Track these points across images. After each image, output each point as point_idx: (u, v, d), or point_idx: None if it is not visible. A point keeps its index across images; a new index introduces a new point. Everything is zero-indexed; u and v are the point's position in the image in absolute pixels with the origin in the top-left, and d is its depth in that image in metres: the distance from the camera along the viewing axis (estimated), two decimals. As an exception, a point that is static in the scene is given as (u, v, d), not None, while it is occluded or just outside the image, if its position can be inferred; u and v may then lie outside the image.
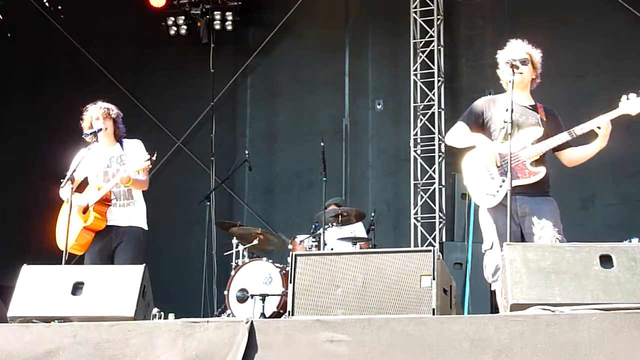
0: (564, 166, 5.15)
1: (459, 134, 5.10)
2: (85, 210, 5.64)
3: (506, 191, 4.69)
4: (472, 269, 8.34)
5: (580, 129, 4.84)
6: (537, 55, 5.05)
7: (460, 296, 8.16)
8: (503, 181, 4.81)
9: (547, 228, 4.75)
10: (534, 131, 4.92)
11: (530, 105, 5.04)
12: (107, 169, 5.79)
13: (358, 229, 8.26)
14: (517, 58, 4.95)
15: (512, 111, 4.76)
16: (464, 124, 5.10)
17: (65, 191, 5.61)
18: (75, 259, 5.97)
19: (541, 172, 4.86)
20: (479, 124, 5.07)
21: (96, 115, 5.81)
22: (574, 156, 5.01)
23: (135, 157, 5.72)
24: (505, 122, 4.80)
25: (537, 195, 4.87)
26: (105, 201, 5.66)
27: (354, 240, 7.76)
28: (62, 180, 5.55)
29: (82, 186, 5.73)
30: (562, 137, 4.87)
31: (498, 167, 4.88)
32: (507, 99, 4.85)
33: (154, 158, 5.57)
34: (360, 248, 7.63)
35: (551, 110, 5.10)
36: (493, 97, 5.23)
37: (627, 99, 4.76)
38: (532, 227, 4.80)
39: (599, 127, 4.78)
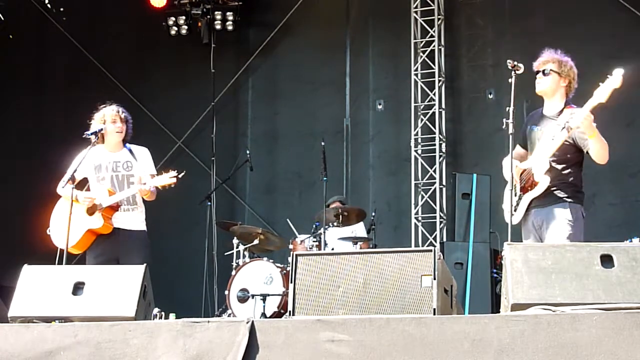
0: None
1: (506, 159, 5.09)
2: (92, 211, 5.60)
3: (525, 207, 4.87)
4: (473, 269, 8.34)
5: (574, 123, 4.80)
6: (564, 63, 5.03)
7: (461, 296, 8.15)
8: (520, 197, 4.93)
9: (556, 236, 4.80)
10: (548, 145, 4.91)
11: (556, 114, 5.01)
12: (113, 173, 5.72)
13: (359, 229, 8.25)
14: (539, 68, 5.02)
15: (512, 112, 4.78)
16: (518, 145, 5.20)
17: (65, 190, 5.60)
18: (75, 259, 5.96)
19: (542, 181, 4.86)
20: (525, 142, 5.17)
21: (113, 117, 5.74)
22: (594, 151, 4.85)
23: (147, 167, 5.75)
24: (507, 128, 4.85)
25: (549, 205, 4.90)
26: (115, 206, 5.66)
27: (355, 240, 7.76)
28: (61, 179, 5.54)
29: (80, 185, 5.71)
30: (562, 135, 4.83)
31: (520, 185, 4.98)
32: (544, 109, 5.00)
33: (180, 176, 5.58)
34: (361, 248, 7.63)
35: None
36: (533, 112, 5.25)
37: (611, 75, 4.69)
38: (546, 238, 4.87)
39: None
